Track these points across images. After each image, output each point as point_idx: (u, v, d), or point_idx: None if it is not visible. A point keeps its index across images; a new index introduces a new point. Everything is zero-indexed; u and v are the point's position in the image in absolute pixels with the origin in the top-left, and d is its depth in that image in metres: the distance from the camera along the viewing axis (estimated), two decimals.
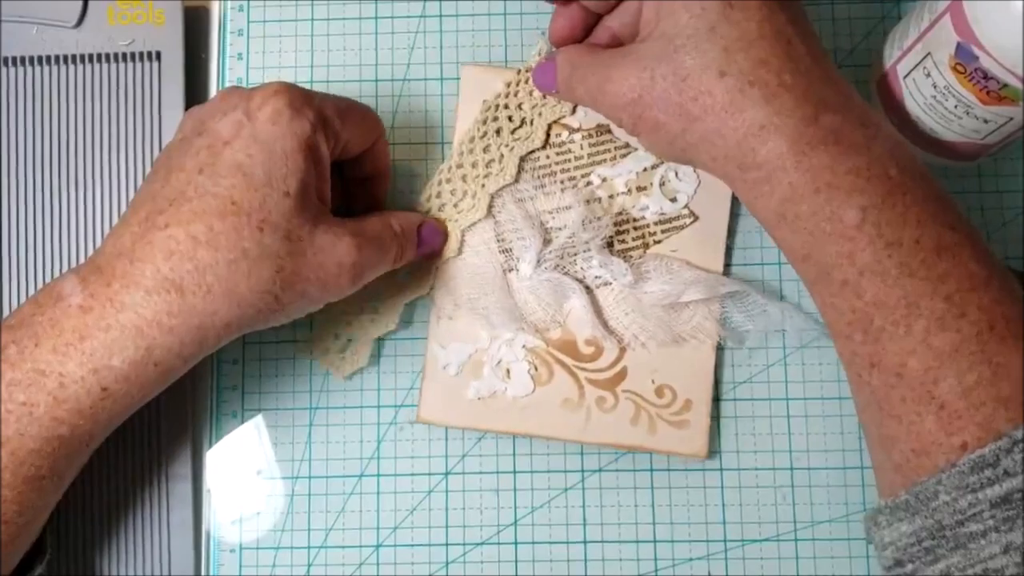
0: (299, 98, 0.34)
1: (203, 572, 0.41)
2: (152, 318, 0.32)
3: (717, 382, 0.41)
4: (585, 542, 0.41)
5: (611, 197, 0.41)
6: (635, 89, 0.34)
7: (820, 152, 0.31)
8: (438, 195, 0.41)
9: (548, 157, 0.41)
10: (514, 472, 0.41)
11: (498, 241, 0.41)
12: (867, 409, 0.33)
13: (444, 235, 0.41)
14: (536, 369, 0.41)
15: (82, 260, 0.42)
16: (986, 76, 0.33)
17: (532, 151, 0.41)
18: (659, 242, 0.41)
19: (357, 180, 0.40)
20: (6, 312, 0.42)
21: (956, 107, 0.35)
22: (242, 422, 0.42)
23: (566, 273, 0.41)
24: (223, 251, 0.32)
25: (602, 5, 0.37)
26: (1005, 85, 0.33)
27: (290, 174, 0.33)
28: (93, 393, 0.32)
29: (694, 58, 0.32)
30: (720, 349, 0.41)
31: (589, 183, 0.41)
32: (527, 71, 0.41)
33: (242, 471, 0.41)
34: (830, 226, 0.31)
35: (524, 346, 0.41)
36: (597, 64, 0.36)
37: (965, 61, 0.33)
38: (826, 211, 0.31)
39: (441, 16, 0.44)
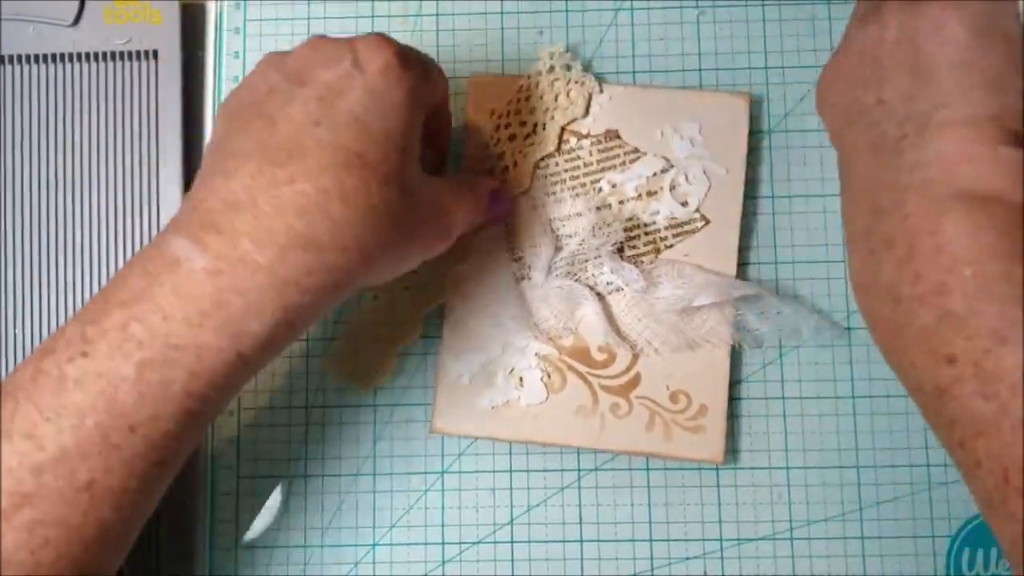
0: (404, 49, 0.33)
1: (199, 571, 0.41)
2: (289, 277, 0.30)
3: (732, 384, 0.41)
4: (581, 541, 0.41)
5: (621, 203, 0.41)
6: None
7: None
8: None
9: (557, 164, 0.41)
10: (510, 471, 0.41)
11: (509, 249, 0.41)
12: None
13: (510, 203, 0.41)
14: (549, 377, 0.40)
15: (79, 257, 0.42)
16: None
17: (543, 157, 0.41)
18: (670, 247, 0.41)
19: (426, 135, 0.38)
20: (3, 308, 0.42)
21: None
22: (238, 420, 0.42)
23: (577, 280, 0.40)
24: (354, 207, 0.31)
25: None
26: None
27: (404, 127, 0.32)
28: (230, 362, 0.30)
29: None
30: (735, 352, 0.41)
31: (599, 189, 0.41)
32: (537, 75, 0.41)
33: (238, 470, 0.41)
34: None
35: (537, 354, 0.41)
36: None
37: None
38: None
39: (438, 15, 0.44)
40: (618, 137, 0.42)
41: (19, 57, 0.43)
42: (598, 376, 0.40)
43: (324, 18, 0.44)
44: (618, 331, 0.40)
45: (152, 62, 0.43)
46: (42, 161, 0.43)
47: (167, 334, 0.29)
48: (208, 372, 0.29)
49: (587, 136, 0.42)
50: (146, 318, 0.29)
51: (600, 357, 0.41)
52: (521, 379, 0.40)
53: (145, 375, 0.29)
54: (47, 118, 0.43)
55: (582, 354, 0.41)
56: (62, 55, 0.43)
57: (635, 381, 0.40)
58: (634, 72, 0.43)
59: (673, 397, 0.40)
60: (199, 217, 0.30)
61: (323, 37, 0.33)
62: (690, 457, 0.40)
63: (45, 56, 0.43)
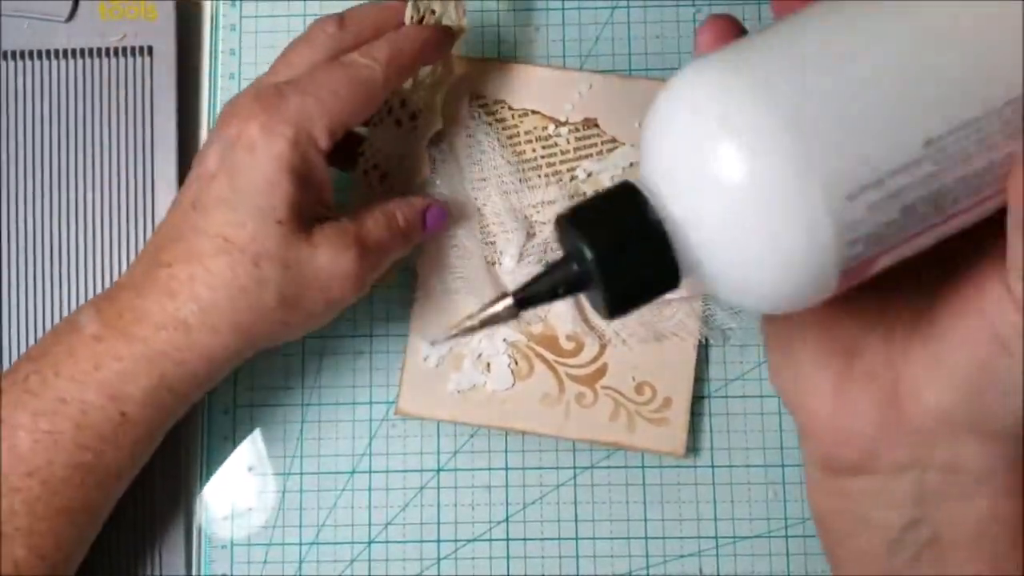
0: (273, 116, 0.33)
1: (194, 569, 0.41)
2: (162, 350, 0.33)
3: (701, 380, 0.41)
4: (577, 539, 0.41)
5: (597, 192, 0.41)
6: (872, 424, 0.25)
7: None
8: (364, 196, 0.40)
9: (534, 151, 0.42)
10: (506, 469, 0.41)
11: (482, 233, 0.41)
12: None
13: (447, 215, 0.40)
14: (516, 363, 0.41)
15: (73, 252, 0.42)
16: None
17: (516, 146, 0.41)
18: None
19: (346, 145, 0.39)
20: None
21: None
22: (234, 418, 0.42)
23: None
24: (222, 290, 0.32)
25: None
26: None
27: (277, 201, 0.32)
28: (113, 419, 0.33)
29: None
30: (703, 347, 0.41)
31: (574, 177, 0.41)
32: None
33: (234, 467, 0.41)
34: None
35: (505, 340, 0.41)
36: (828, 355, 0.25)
37: None
38: None
39: None
40: (596, 126, 0.42)
41: (13, 53, 0.43)
42: (565, 365, 0.40)
43: (320, 14, 0.44)
44: (587, 320, 0.40)
45: (147, 58, 0.43)
46: (36, 157, 0.43)
47: (56, 388, 0.32)
48: (93, 426, 0.32)
49: (565, 124, 0.42)
50: (42, 372, 0.33)
51: (568, 346, 0.41)
52: (488, 365, 0.41)
53: (38, 424, 0.32)
54: (42, 114, 0.43)
55: (550, 342, 0.41)
56: (57, 51, 0.43)
57: (602, 371, 0.40)
58: (630, 70, 0.43)
59: (639, 389, 0.40)
60: (110, 290, 0.34)
61: (229, 104, 0.34)
62: (652, 449, 0.40)
63: (40, 52, 0.43)
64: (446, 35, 0.38)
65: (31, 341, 0.42)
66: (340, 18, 0.36)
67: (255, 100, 0.33)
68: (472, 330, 0.24)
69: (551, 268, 0.23)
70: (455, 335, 0.24)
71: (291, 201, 0.33)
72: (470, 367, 0.40)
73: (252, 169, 0.32)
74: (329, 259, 0.34)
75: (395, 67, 0.35)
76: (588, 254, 0.21)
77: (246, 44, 0.44)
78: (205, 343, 0.33)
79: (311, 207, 0.34)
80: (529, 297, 0.23)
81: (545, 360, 0.41)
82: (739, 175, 0.19)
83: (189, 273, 0.32)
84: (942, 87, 0.19)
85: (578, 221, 0.22)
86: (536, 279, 0.23)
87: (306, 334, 0.36)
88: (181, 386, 0.34)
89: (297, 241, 0.33)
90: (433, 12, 0.38)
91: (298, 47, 0.36)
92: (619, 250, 0.21)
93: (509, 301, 0.23)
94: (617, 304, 0.22)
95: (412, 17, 0.37)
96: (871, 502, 0.26)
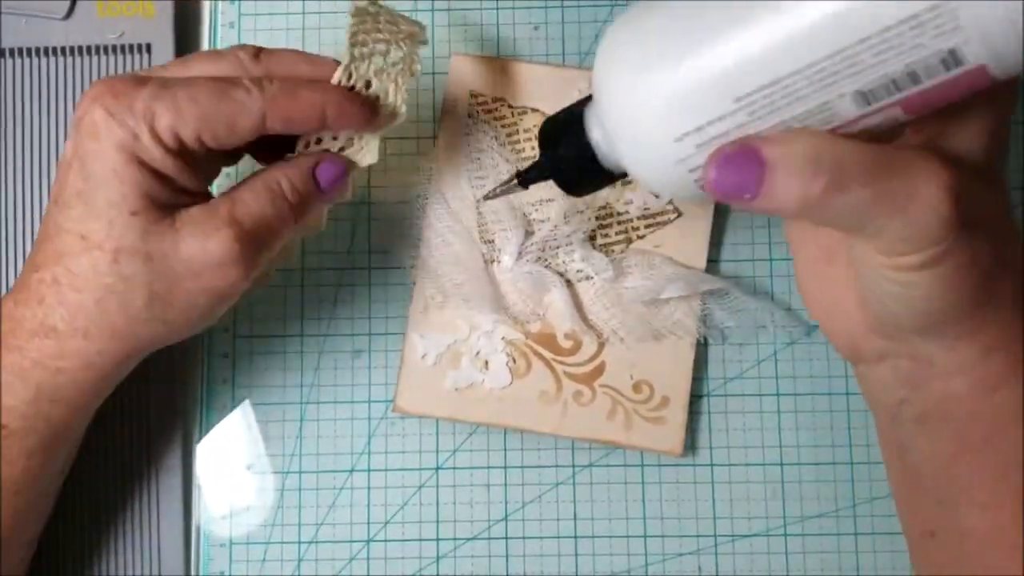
0: (120, 104, 0.30)
1: (193, 567, 0.41)
2: (36, 359, 0.31)
3: (700, 379, 0.41)
4: (576, 537, 0.41)
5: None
6: (964, 200, 0.25)
7: None
8: None
9: (533, 149, 0.41)
10: (505, 467, 0.41)
11: (480, 231, 0.41)
12: None
13: (346, 168, 0.35)
14: (514, 361, 0.41)
15: None
16: None
17: (515, 144, 0.41)
18: (642, 237, 0.41)
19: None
20: None
21: None
22: (234, 417, 0.42)
23: (547, 266, 0.41)
24: (87, 291, 0.31)
25: None
26: None
27: (130, 191, 0.30)
28: None
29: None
30: (701, 346, 0.41)
31: None
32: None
33: (232, 466, 0.41)
34: None
35: (503, 338, 0.41)
36: (893, 159, 0.25)
37: None
38: None
39: (433, 10, 0.44)
40: None
41: (11, 50, 0.43)
42: (563, 363, 0.40)
43: (319, 13, 0.44)
44: (585, 319, 0.40)
45: (145, 56, 0.43)
46: (35, 154, 0.42)
47: None
48: None
49: None
50: None
51: (566, 344, 0.41)
52: (487, 362, 0.40)
53: None
54: (39, 112, 0.43)
55: (548, 340, 0.41)
56: (55, 48, 0.43)
57: (600, 370, 0.40)
58: None
59: (636, 387, 0.40)
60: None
61: (89, 89, 0.32)
62: (649, 448, 0.40)
63: (38, 49, 0.43)
64: (367, 110, 0.34)
65: None
66: (258, 50, 0.34)
67: (112, 84, 0.31)
68: (493, 195, 0.35)
69: (534, 163, 0.33)
70: (492, 195, 0.36)
71: (143, 190, 0.31)
72: (468, 365, 0.40)
73: (99, 158, 0.30)
74: (197, 245, 0.31)
75: (281, 107, 0.32)
76: (545, 161, 0.33)
77: (245, 42, 0.44)
78: (79, 349, 0.31)
79: (172, 196, 0.32)
80: (524, 178, 0.34)
81: (543, 358, 0.41)
82: (618, 104, 0.27)
83: (54, 275, 0.31)
84: (747, 53, 0.25)
85: (542, 135, 0.33)
86: (528, 169, 0.33)
87: (202, 331, 0.34)
88: (63, 395, 0.32)
89: (158, 231, 0.31)
90: (369, 85, 0.34)
91: (204, 55, 0.34)
92: (563, 159, 0.32)
93: (514, 181, 0.34)
94: (565, 187, 0.32)
95: (340, 81, 0.34)
96: (868, 385, 0.32)
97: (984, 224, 0.26)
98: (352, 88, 0.34)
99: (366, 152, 0.35)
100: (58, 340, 0.31)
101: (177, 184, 0.32)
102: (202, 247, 0.31)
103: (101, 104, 0.30)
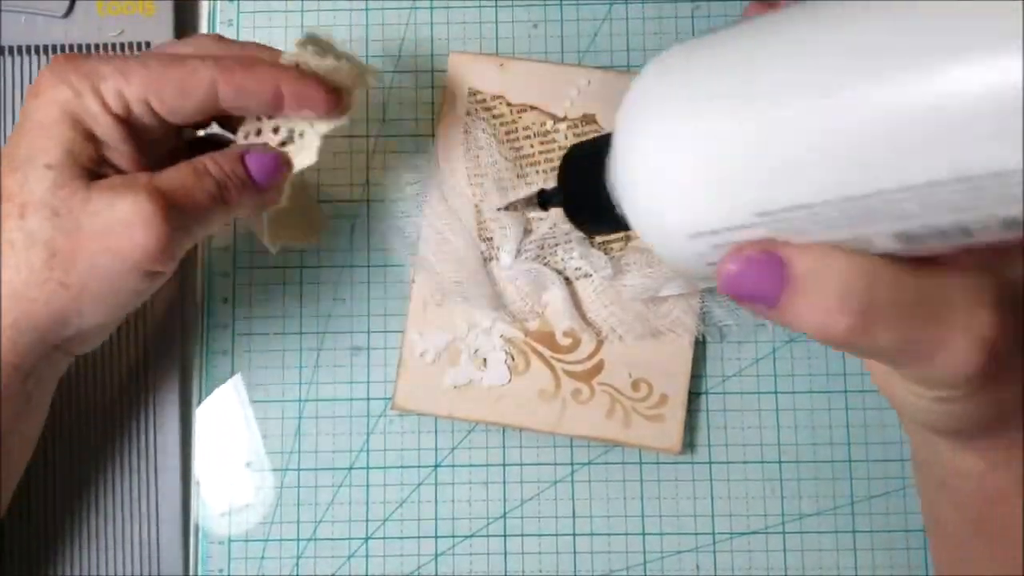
0: (67, 66, 0.31)
1: (192, 564, 0.41)
2: None
3: (698, 377, 0.41)
4: (574, 535, 0.41)
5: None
6: (999, 352, 0.22)
7: None
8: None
9: (532, 146, 0.41)
10: (503, 465, 0.41)
11: (479, 229, 0.41)
12: None
13: (281, 162, 0.34)
14: (513, 359, 0.41)
15: None
16: None
17: (514, 142, 0.41)
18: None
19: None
20: None
21: None
22: (232, 415, 0.42)
23: (546, 264, 0.41)
24: None
25: None
26: None
27: (51, 145, 0.30)
28: None
29: None
30: (700, 344, 0.41)
31: None
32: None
33: (231, 463, 0.41)
34: None
35: (502, 336, 0.41)
36: (929, 302, 0.22)
37: None
38: None
39: (432, 8, 0.44)
40: (595, 122, 0.42)
41: (11, 48, 0.43)
42: (562, 361, 0.41)
43: (317, 10, 0.44)
44: (584, 317, 0.40)
45: None
46: None
47: None
48: None
49: (564, 119, 0.42)
50: None
51: (565, 342, 0.41)
52: (485, 360, 0.41)
53: None
54: None
55: (547, 338, 0.41)
56: (54, 46, 0.43)
57: (598, 367, 0.40)
58: (628, 65, 0.43)
59: (635, 385, 0.40)
60: None
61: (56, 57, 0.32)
62: (648, 446, 0.40)
63: (37, 47, 0.43)
64: (325, 93, 0.33)
65: None
66: (220, 36, 0.35)
67: (67, 55, 0.31)
68: (512, 208, 0.37)
69: (554, 189, 0.33)
70: (512, 208, 0.38)
71: (66, 146, 0.30)
72: (467, 363, 0.40)
73: (34, 112, 0.30)
74: (105, 201, 0.30)
75: (236, 76, 0.31)
76: (559, 193, 0.32)
77: (243, 39, 0.44)
78: None
79: (96, 161, 0.31)
80: (543, 200, 0.34)
81: (542, 356, 0.41)
82: (633, 176, 0.24)
83: None
84: (780, 171, 0.20)
85: (564, 163, 0.31)
86: (551, 193, 0.33)
87: (118, 317, 0.33)
88: None
89: (70, 187, 0.30)
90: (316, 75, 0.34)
91: (169, 42, 0.35)
92: (578, 195, 0.30)
93: (535, 199, 0.34)
94: (578, 227, 0.31)
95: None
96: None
97: None
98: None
99: (306, 152, 0.34)
100: None
101: (112, 152, 0.31)
102: (110, 203, 0.30)
103: (52, 70, 0.31)
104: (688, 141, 0.22)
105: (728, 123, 0.21)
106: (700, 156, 0.22)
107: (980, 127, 0.17)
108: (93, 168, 0.31)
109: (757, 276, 0.22)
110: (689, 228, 0.23)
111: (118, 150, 0.32)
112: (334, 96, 0.33)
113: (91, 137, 0.31)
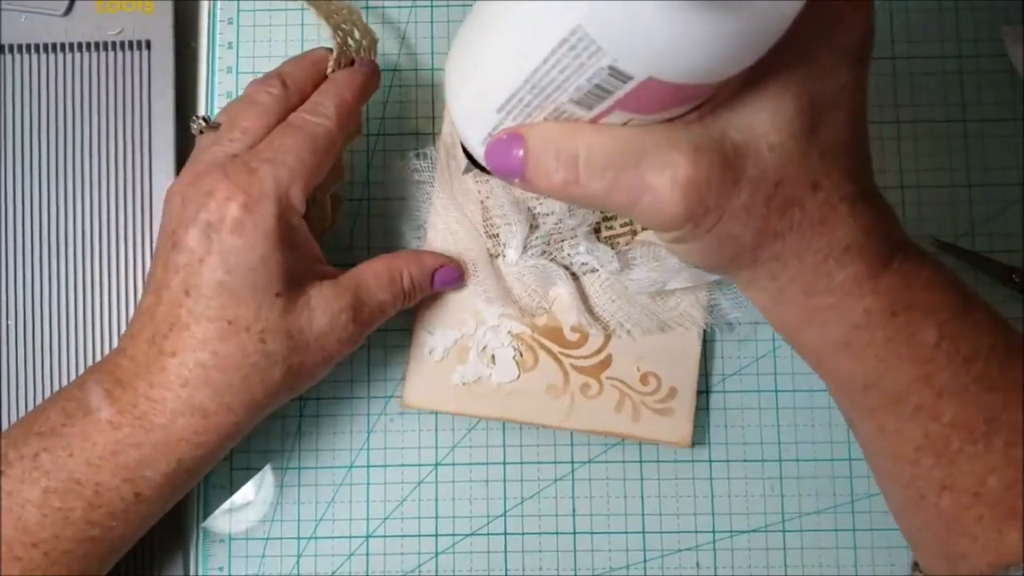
0: (252, 194, 0.33)
1: (192, 562, 0.41)
2: (180, 437, 0.33)
3: (705, 373, 0.41)
4: (574, 533, 0.41)
5: None
6: (701, 194, 0.26)
7: (894, 272, 0.28)
8: None
9: None
10: (504, 463, 0.41)
11: (485, 226, 0.41)
12: (928, 528, 0.30)
13: (462, 274, 0.40)
14: (521, 355, 0.41)
15: (71, 246, 0.42)
16: None
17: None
18: (647, 229, 0.41)
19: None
20: None
21: None
22: None
23: (552, 259, 0.41)
24: (233, 371, 0.33)
25: None
26: None
27: (273, 276, 0.33)
28: (127, 499, 0.33)
29: (791, 164, 0.26)
30: (707, 337, 0.41)
31: None
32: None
33: (231, 462, 0.41)
34: (906, 350, 0.28)
35: (510, 332, 0.41)
36: (626, 152, 0.26)
37: None
38: (903, 334, 0.28)
39: (432, 6, 0.44)
40: None
41: (11, 47, 0.43)
42: (570, 356, 0.41)
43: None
44: (591, 312, 0.40)
45: (145, 52, 0.43)
46: (34, 150, 0.42)
47: (71, 469, 0.33)
48: (106, 505, 0.33)
49: None
50: (55, 451, 0.33)
51: (573, 337, 0.41)
52: (493, 357, 0.41)
53: (49, 500, 0.32)
54: (39, 108, 0.43)
55: (555, 334, 0.41)
56: (54, 45, 0.43)
57: (607, 362, 0.40)
58: None
59: (643, 379, 0.40)
60: (113, 371, 0.34)
61: (191, 178, 0.34)
62: (658, 440, 0.40)
63: (37, 46, 0.43)
64: (373, 71, 0.38)
65: (30, 332, 0.42)
66: (280, 78, 0.36)
67: (226, 178, 0.33)
68: (468, 168, 0.35)
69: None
70: (466, 171, 0.37)
71: (285, 272, 0.33)
72: (475, 359, 0.40)
73: (245, 250, 0.32)
74: (327, 321, 0.35)
75: (343, 116, 0.36)
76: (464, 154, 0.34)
77: (244, 38, 0.44)
78: (220, 424, 0.33)
79: (303, 269, 0.35)
80: (468, 156, 0.34)
81: (550, 351, 0.41)
82: (453, 114, 0.30)
83: (197, 360, 0.33)
84: (494, 76, 0.27)
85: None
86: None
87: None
88: (197, 465, 0.34)
89: (297, 309, 0.34)
90: (351, 44, 0.38)
91: (247, 112, 0.35)
92: (465, 149, 0.32)
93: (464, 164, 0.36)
94: (481, 170, 0.32)
95: (339, 62, 0.37)
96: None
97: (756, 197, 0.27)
98: (343, 62, 0.37)
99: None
100: (204, 418, 0.33)
101: (308, 256, 0.35)
102: (331, 323, 0.35)
103: (235, 201, 0.32)
104: (461, 78, 0.28)
105: (474, 59, 0.27)
106: (468, 84, 0.28)
107: (552, 11, 0.23)
108: (301, 274, 0.34)
109: (504, 153, 0.28)
110: (480, 135, 0.29)
111: (307, 238, 0.35)
112: (373, 71, 0.38)
113: (298, 252, 0.34)
